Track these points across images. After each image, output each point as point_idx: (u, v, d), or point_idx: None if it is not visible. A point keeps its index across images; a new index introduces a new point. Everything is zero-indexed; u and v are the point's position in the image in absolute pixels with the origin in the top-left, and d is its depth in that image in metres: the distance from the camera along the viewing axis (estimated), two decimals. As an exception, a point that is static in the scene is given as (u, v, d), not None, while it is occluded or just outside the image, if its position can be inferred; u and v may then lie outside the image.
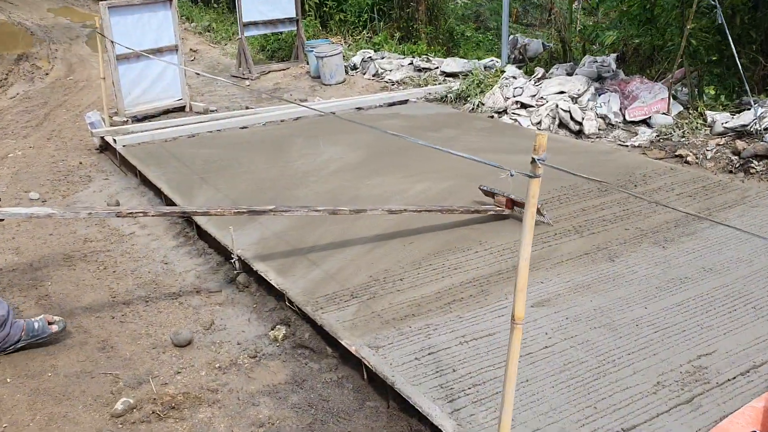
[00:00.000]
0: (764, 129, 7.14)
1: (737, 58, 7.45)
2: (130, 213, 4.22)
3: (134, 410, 3.52)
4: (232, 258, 4.75)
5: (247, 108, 9.74)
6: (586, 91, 8.38)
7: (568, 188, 5.62)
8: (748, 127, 7.22)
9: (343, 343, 3.63)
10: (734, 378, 3.21)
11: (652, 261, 4.36)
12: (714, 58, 8.50)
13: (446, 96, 9.77)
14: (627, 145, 7.59)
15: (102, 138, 7.91)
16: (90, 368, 3.88)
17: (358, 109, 9.20)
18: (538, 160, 2.23)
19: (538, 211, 4.73)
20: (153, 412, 3.50)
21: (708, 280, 4.10)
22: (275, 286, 4.27)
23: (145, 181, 6.66)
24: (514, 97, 8.82)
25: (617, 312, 3.79)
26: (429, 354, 3.46)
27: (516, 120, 8.36)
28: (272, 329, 4.15)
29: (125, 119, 9.05)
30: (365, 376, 3.55)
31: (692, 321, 3.68)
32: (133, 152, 7.23)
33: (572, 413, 3.01)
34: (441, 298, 4.01)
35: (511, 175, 2.34)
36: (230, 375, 3.78)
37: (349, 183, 6.06)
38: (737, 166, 6.71)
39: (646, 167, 6.11)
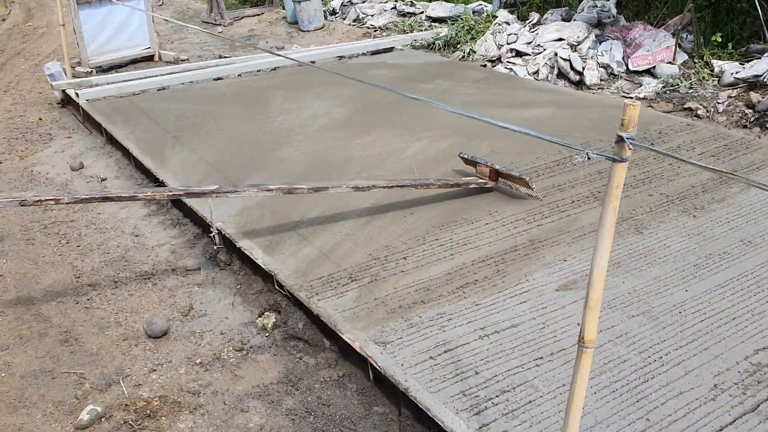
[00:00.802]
0: (778, 79, 6.64)
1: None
2: (38, 200, 3.50)
3: (102, 420, 3.01)
4: (212, 232, 4.18)
5: (220, 57, 9.02)
6: (586, 38, 7.79)
7: (580, 147, 5.07)
8: (762, 77, 6.71)
9: (344, 338, 3.12)
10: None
11: (684, 233, 3.88)
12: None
13: (434, 43, 9.12)
14: (631, 97, 7.05)
15: (63, 91, 7.19)
16: (51, 366, 3.34)
17: (340, 57, 8.54)
18: (627, 138, 1.68)
19: (527, 184, 4.20)
20: (125, 422, 2.99)
21: (749, 255, 3.64)
22: (263, 267, 3.72)
23: (113, 140, 6.01)
24: (509, 44, 8.21)
25: (655, 296, 3.31)
26: (445, 351, 2.96)
27: (511, 69, 7.77)
28: (260, 316, 3.63)
29: (88, 70, 8.32)
30: (371, 376, 3.05)
31: (741, 307, 3.21)
32: (98, 107, 6.55)
33: (622, 427, 2.54)
34: (452, 281, 3.50)
35: (588, 158, 1.79)
36: (214, 373, 3.27)
37: (338, 142, 5.47)
38: (752, 120, 6.23)
39: (660, 123, 5.60)
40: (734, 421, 2.56)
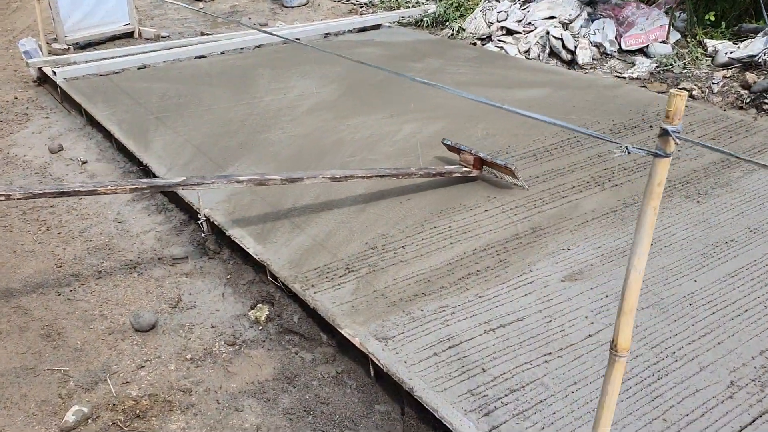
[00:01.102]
0: (773, 60, 6.53)
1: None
2: None
3: (89, 421, 2.85)
4: (199, 219, 4.00)
5: (202, 34, 8.75)
6: (578, 16, 7.63)
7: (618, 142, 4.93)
8: (757, 57, 6.61)
9: (344, 333, 2.98)
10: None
11: (689, 219, 3.76)
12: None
13: (422, 20, 8.91)
14: (624, 77, 6.93)
15: (40, 69, 6.91)
16: (33, 363, 3.16)
17: (326, 35, 8.31)
18: (673, 131, 1.53)
19: (513, 174, 4.01)
20: (113, 423, 2.83)
21: (757, 243, 3.54)
22: (254, 256, 3.56)
23: (93, 121, 5.78)
24: (499, 22, 8.04)
25: (663, 287, 3.20)
26: (450, 347, 2.83)
27: (502, 48, 7.60)
28: (252, 308, 3.48)
29: (65, 47, 8.02)
30: (372, 372, 2.92)
31: (753, 298, 3.11)
32: (77, 87, 6.30)
33: (639, 428, 2.43)
34: (453, 271, 3.37)
35: (628, 152, 1.65)
36: (205, 369, 3.11)
37: (328, 124, 5.29)
38: (748, 101, 6.13)
39: (657, 104, 5.47)
40: (754, 420, 2.46)
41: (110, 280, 3.75)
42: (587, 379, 2.65)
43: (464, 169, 4.20)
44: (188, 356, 3.19)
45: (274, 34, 5.27)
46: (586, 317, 2.99)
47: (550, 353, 2.78)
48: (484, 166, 4.22)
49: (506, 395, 2.58)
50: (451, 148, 4.39)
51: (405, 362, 2.75)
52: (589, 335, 2.89)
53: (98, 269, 3.86)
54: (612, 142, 1.74)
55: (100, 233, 4.23)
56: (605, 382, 1.75)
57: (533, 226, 3.73)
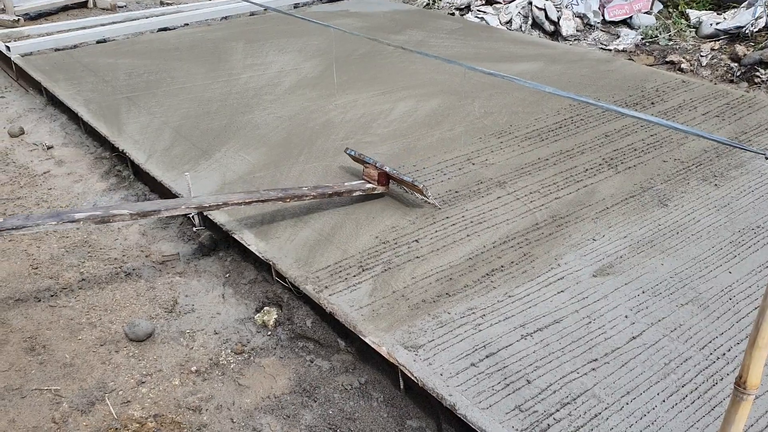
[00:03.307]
0: (760, 30, 6.42)
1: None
2: None
3: (90, 449, 2.54)
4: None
5: (163, 4, 8.25)
6: (560, -15, 7.38)
7: (577, 108, 4.74)
8: (744, 29, 6.48)
9: (368, 341, 2.72)
10: None
11: (710, 204, 3.61)
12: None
13: (395, -11, 8.54)
14: (610, 49, 6.76)
15: (-9, 44, 6.38)
16: (18, 382, 2.85)
17: (296, 5, 7.90)
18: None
19: (422, 193, 3.53)
20: (117, 451, 2.53)
21: (784, 229, 3.39)
22: (258, 255, 3.27)
23: (55, 101, 5.34)
24: (478, -9, 7.74)
25: (699, 280, 3.03)
26: (487, 356, 2.61)
27: (482, 18, 7.33)
28: (258, 311, 3.20)
29: (15, 18, 7.45)
30: (401, 384, 2.68)
31: (793, 290, 2.95)
32: (35, 63, 5.83)
33: (704, 444, 2.25)
34: (476, 267, 3.14)
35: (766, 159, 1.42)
36: (214, 382, 2.84)
37: (314, 103, 4.97)
38: (738, 74, 6.01)
39: (654, 80, 5.30)
40: (822, 429, 2.30)
41: (94, 283, 3.43)
42: (639, 388, 2.47)
43: (368, 185, 3.66)
44: (193, 368, 2.91)
45: (248, 1, 4.91)
46: (626, 317, 2.80)
47: (595, 359, 2.59)
48: (390, 182, 3.72)
49: (557, 410, 2.38)
50: (356, 159, 3.86)
51: (441, 375, 2.53)
52: (633, 337, 2.70)
53: (79, 270, 3.53)
54: (753, 151, 1.49)
55: (77, 228, 3.87)
56: (726, 421, 1.54)
57: (552, 214, 3.52)
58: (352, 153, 3.87)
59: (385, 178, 3.67)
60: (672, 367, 2.55)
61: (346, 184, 3.67)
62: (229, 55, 6.02)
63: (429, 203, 3.60)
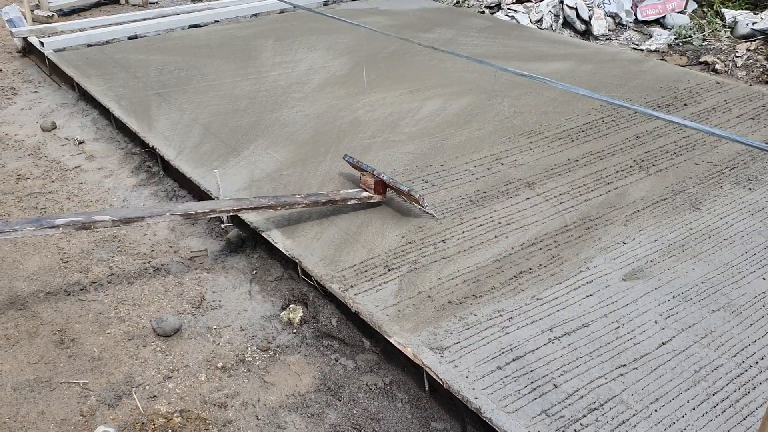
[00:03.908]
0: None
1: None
2: None
3: (117, 443, 2.57)
4: (218, 208, 3.69)
5: (194, 1, 8.31)
6: (592, -16, 7.30)
7: (608, 108, 4.69)
8: (782, 29, 6.35)
9: (393, 342, 2.71)
10: None
11: (744, 209, 3.54)
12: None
13: (425, -13, 8.51)
14: (642, 49, 6.66)
15: (25, 39, 6.47)
16: (47, 375, 2.88)
17: (325, 3, 7.90)
18: None
19: (418, 203, 3.48)
20: (144, 446, 2.55)
21: (821, 235, 3.32)
22: (285, 252, 3.27)
23: (87, 96, 5.41)
24: (508, -10, 7.69)
25: (731, 286, 2.97)
26: (514, 360, 2.59)
27: (513, 17, 7.27)
28: (283, 309, 3.20)
29: (50, 13, 7.55)
30: (426, 386, 2.67)
31: (830, 298, 2.89)
32: (68, 59, 5.90)
33: (736, 454, 2.21)
34: (503, 269, 3.11)
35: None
36: (239, 379, 2.85)
37: (342, 101, 4.97)
38: (775, 75, 5.89)
39: (687, 80, 5.21)
40: None
41: (123, 277, 3.46)
42: (669, 395, 2.43)
43: (364, 194, 3.61)
44: (219, 364, 2.92)
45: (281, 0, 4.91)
46: (655, 322, 2.76)
47: (624, 365, 2.55)
48: (387, 191, 3.66)
49: (584, 415, 2.35)
50: (354, 166, 3.80)
51: (467, 377, 2.51)
52: (662, 343, 2.66)
53: (109, 264, 3.56)
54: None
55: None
56: (761, 431, 1.51)
57: (582, 216, 3.48)
58: (351, 160, 3.81)
59: (382, 186, 3.62)
60: (702, 375, 2.51)
61: (341, 192, 3.64)
62: (258, 53, 6.04)
63: (426, 213, 3.54)
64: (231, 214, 3.39)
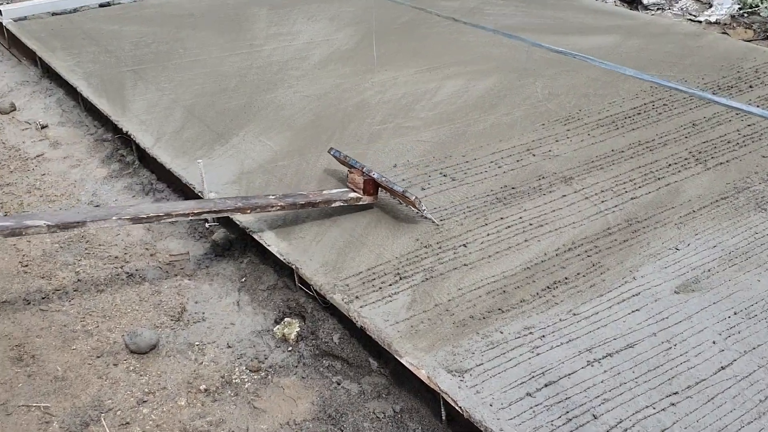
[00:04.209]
0: None
1: None
2: None
3: (83, 478, 2.58)
4: (202, 205, 3.71)
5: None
6: (641, -56, 7.30)
7: (660, 91, 4.68)
8: None
9: (405, 362, 2.73)
10: None
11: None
12: None
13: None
14: (700, 21, 6.67)
15: (-20, 7, 6.54)
16: (3, 397, 2.93)
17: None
18: None
19: (414, 205, 3.45)
20: (114, 482, 2.57)
21: None
22: (279, 257, 3.29)
23: (52, 73, 5.47)
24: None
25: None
26: (546, 386, 2.59)
27: (548, -17, 7.26)
28: (277, 322, 3.23)
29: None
30: (443, 415, 2.67)
31: None
32: (29, 29, 5.99)
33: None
34: (534, 279, 3.12)
35: None
36: (225, 404, 2.87)
37: (347, 81, 5.01)
38: None
39: (754, 58, 5.21)
40: None
41: (92, 284, 3.50)
42: (729, 428, 2.42)
43: (351, 195, 3.56)
44: (202, 387, 2.94)
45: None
46: (714, 342, 2.76)
47: (676, 393, 2.55)
48: (380, 190, 3.62)
49: (629, 452, 2.34)
50: (341, 161, 3.78)
51: (491, 405, 2.51)
52: (722, 367, 2.66)
53: (75, 269, 3.60)
54: None
55: None
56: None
57: (627, 218, 3.48)
58: (337, 154, 3.79)
59: (372, 186, 3.59)
60: (768, 405, 2.50)
61: (324, 192, 3.61)
62: (250, 23, 6.12)
63: (425, 218, 3.52)
64: (190, 218, 3.39)
